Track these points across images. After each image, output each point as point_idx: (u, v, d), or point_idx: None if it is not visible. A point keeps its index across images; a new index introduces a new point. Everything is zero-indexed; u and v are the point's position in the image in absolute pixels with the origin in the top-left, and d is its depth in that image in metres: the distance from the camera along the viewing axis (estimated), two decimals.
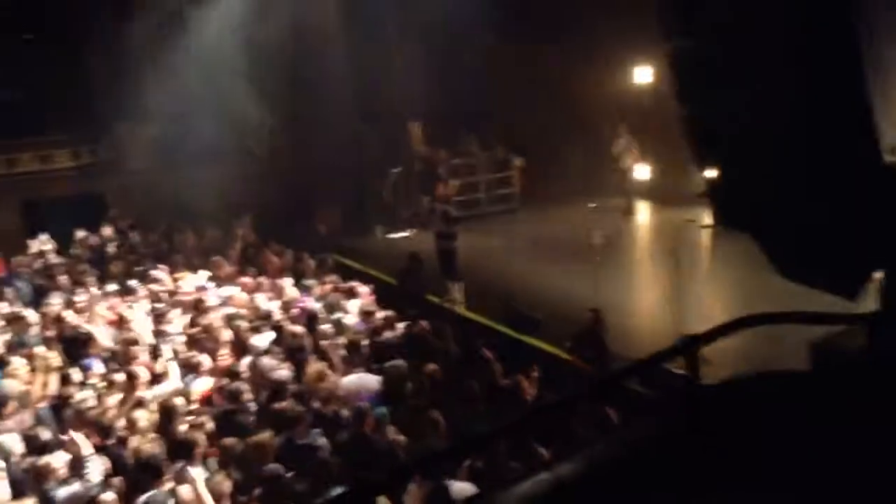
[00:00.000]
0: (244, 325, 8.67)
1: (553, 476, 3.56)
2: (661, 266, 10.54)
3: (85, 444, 5.82)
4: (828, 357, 4.39)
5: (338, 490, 5.22)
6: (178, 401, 6.71)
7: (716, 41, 4.91)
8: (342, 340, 8.16)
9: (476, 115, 16.67)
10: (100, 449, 5.89)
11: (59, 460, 5.63)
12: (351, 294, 10.08)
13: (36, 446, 6.12)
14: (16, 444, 6.13)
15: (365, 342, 8.27)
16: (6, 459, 5.90)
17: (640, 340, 8.95)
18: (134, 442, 6.20)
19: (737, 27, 4.67)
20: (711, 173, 6.31)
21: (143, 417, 6.56)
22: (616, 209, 14.55)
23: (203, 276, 11.28)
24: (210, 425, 6.37)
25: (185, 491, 5.32)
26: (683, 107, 5.38)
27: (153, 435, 6.33)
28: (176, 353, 8.12)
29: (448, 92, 15.31)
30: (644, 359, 5.97)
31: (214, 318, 8.85)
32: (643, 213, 14.57)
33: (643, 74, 15.03)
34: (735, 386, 3.64)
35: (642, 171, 14.93)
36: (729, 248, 11.67)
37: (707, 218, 12.69)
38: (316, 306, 9.38)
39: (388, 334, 8.51)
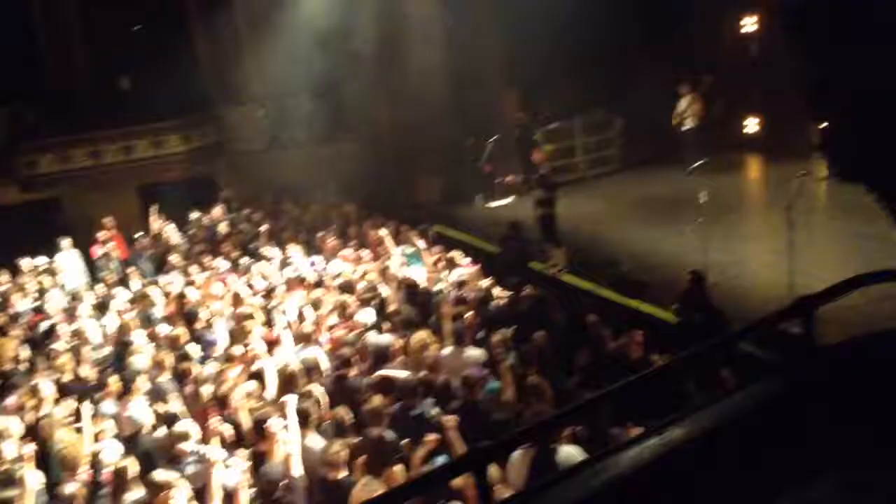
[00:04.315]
0: (351, 298, 8.89)
1: (663, 441, 3.52)
2: (774, 223, 10.16)
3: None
4: None
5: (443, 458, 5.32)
6: (296, 369, 6.94)
7: None
8: (446, 311, 8.24)
9: (573, 79, 16.39)
10: (219, 419, 6.15)
11: (189, 432, 5.93)
12: (453, 264, 10.16)
13: (163, 419, 6.47)
14: (146, 417, 6.50)
15: (469, 312, 8.33)
16: (137, 432, 6.28)
17: (752, 300, 8.70)
18: (249, 411, 6.46)
19: None
20: (825, 125, 6.04)
21: (258, 388, 6.85)
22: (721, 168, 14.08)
23: (310, 251, 11.62)
24: (321, 393, 6.57)
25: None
26: (796, 58, 5.13)
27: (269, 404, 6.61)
28: (288, 325, 8.42)
29: (544, 57, 15.08)
30: (758, 320, 5.81)
31: (322, 292, 9.11)
32: (754, 168, 14.02)
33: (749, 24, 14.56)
34: (854, 347, 3.50)
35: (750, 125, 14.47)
36: (845, 201, 11.14)
37: (822, 171, 12.15)
38: (420, 278, 9.50)
39: (491, 303, 8.54)
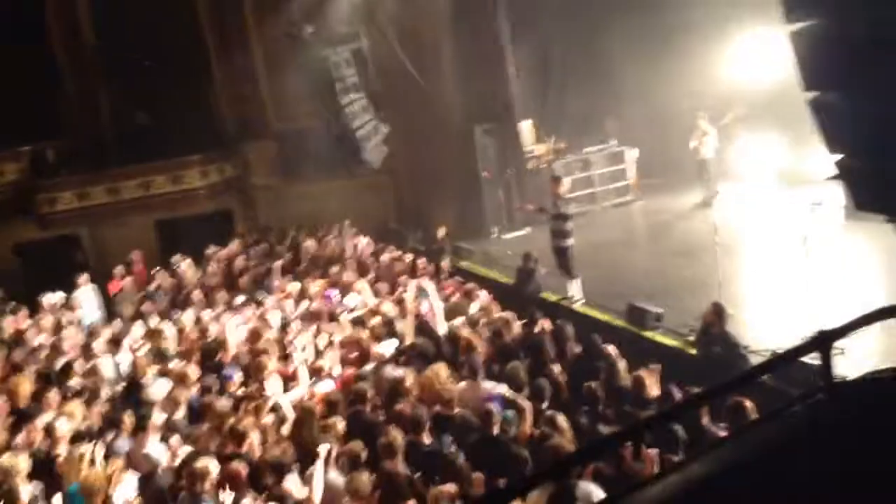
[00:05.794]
0: (366, 332, 8.86)
1: (683, 478, 3.46)
2: (789, 253, 10.06)
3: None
4: None
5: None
6: (313, 405, 6.92)
7: (844, 20, 4.63)
8: (461, 343, 8.19)
9: (587, 111, 16.46)
10: (235, 456, 6.12)
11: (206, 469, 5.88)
12: (469, 296, 10.12)
13: (178, 456, 6.44)
14: (161, 454, 6.47)
15: (484, 344, 8.29)
16: (154, 469, 6.25)
17: (769, 333, 8.60)
18: (264, 447, 6.43)
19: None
20: (840, 156, 5.99)
21: (275, 423, 6.82)
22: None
23: (326, 284, 11.62)
24: (338, 428, 6.53)
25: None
26: (811, 91, 5.09)
27: (285, 439, 6.58)
28: (304, 360, 8.40)
29: (558, 90, 15.18)
30: (776, 355, 5.74)
31: (338, 326, 9.10)
32: (767, 198, 13.89)
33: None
34: (873, 382, 3.43)
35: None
36: (861, 233, 10.99)
37: (835, 201, 12.00)
38: (436, 311, 9.45)
39: (507, 335, 8.49)
